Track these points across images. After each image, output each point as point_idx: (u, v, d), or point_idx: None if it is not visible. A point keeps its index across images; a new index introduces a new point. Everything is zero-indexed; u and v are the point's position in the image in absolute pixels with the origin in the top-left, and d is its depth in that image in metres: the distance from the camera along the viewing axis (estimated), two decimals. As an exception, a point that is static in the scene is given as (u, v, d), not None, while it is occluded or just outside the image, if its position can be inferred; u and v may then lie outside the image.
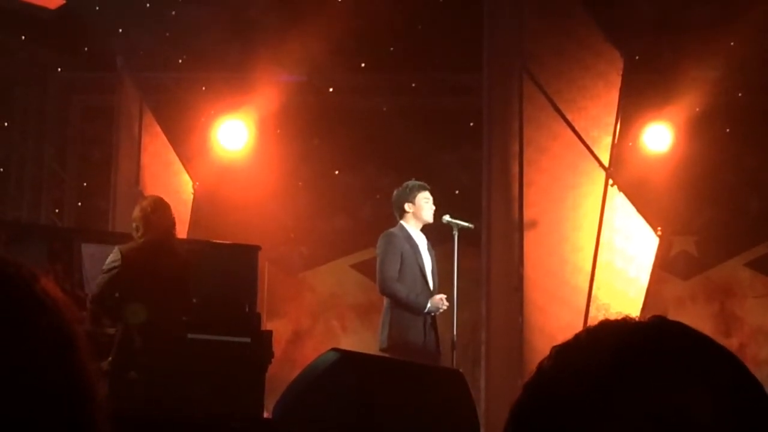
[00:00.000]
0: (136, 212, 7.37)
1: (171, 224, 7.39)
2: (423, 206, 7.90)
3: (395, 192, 8.05)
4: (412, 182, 8.03)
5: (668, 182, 10.69)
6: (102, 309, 7.28)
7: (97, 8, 10.51)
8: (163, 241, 7.28)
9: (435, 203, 7.99)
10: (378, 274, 7.91)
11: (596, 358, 1.01)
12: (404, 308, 7.73)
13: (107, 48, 10.97)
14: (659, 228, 9.68)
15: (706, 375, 0.99)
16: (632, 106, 10.27)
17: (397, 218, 7.99)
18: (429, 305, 7.69)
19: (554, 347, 1.08)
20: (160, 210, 7.33)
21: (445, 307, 7.74)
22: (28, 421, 1.00)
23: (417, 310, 7.69)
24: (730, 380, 1.00)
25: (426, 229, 8.02)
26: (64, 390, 1.04)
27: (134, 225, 7.33)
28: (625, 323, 1.06)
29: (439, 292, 7.86)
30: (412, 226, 7.93)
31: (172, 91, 11.37)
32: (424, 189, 7.95)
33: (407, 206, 7.92)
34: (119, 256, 7.17)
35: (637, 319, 1.08)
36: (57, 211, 11.81)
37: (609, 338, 1.03)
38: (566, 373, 1.02)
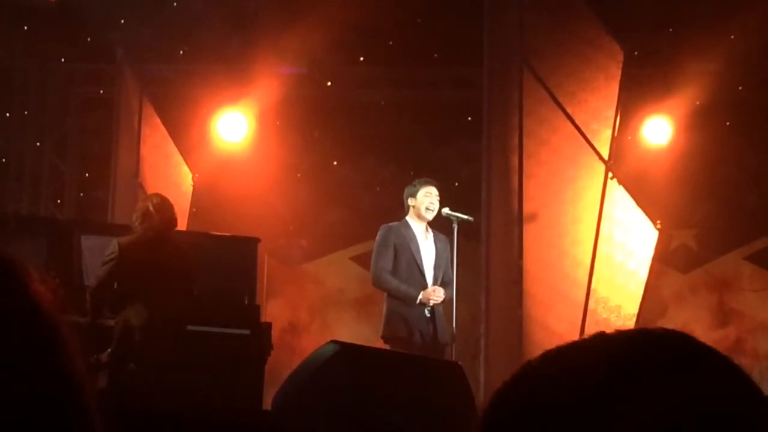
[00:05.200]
0: (140, 204, 7.44)
1: (171, 220, 7.44)
2: (423, 201, 7.94)
3: (406, 188, 8.16)
4: (421, 178, 8.12)
5: (668, 176, 10.68)
6: (101, 301, 7.30)
7: (98, -1, 10.51)
8: (160, 233, 7.30)
9: (434, 197, 8.06)
10: (371, 266, 8.07)
11: (588, 367, 0.97)
12: (398, 300, 7.81)
13: (107, 40, 10.96)
14: (659, 221, 9.68)
15: (699, 386, 0.95)
16: (632, 100, 10.26)
17: (405, 212, 8.09)
18: (420, 297, 7.75)
19: (528, 363, 1.04)
20: (162, 206, 7.39)
21: (438, 299, 7.79)
22: (17, 418, 1.00)
23: (408, 301, 7.77)
24: (724, 390, 0.96)
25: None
26: (53, 386, 1.04)
27: (134, 216, 7.38)
28: (618, 334, 1.02)
29: (445, 285, 7.92)
30: (416, 220, 8.01)
31: (172, 83, 11.37)
32: (428, 184, 8.03)
33: (410, 201, 8.02)
34: (117, 248, 7.19)
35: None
36: (59, 201, 11.80)
37: (601, 346, 0.99)
38: (552, 383, 0.97)
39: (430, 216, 7.97)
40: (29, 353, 1.03)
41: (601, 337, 1.02)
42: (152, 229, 7.26)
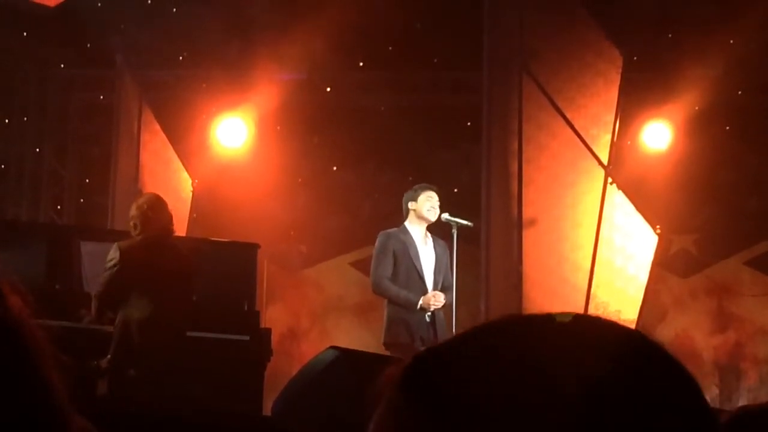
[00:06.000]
0: (133, 210, 7.38)
1: (169, 221, 7.39)
2: (424, 203, 7.95)
3: (405, 194, 8.15)
4: (421, 184, 8.13)
5: (667, 180, 10.68)
6: (107, 306, 7.26)
7: (99, 5, 10.51)
8: (161, 237, 7.28)
9: (434, 201, 8.06)
10: (371, 273, 8.06)
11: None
12: (399, 305, 7.83)
13: (107, 45, 10.97)
14: (658, 226, 9.69)
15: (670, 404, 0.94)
16: (631, 105, 10.27)
17: (404, 218, 8.07)
18: (420, 302, 7.75)
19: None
20: (156, 207, 7.34)
21: (439, 305, 7.78)
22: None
23: (408, 307, 7.77)
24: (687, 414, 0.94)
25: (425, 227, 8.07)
26: (17, 391, 1.03)
27: (132, 223, 7.33)
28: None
29: (445, 290, 7.92)
30: (415, 225, 8.00)
31: (172, 89, 11.37)
32: (430, 189, 8.04)
33: (411, 204, 8.00)
34: (118, 253, 7.17)
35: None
36: (59, 207, 11.81)
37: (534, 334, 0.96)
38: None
39: (433, 217, 7.96)
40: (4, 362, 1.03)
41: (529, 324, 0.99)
42: (152, 232, 7.24)
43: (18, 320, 1.07)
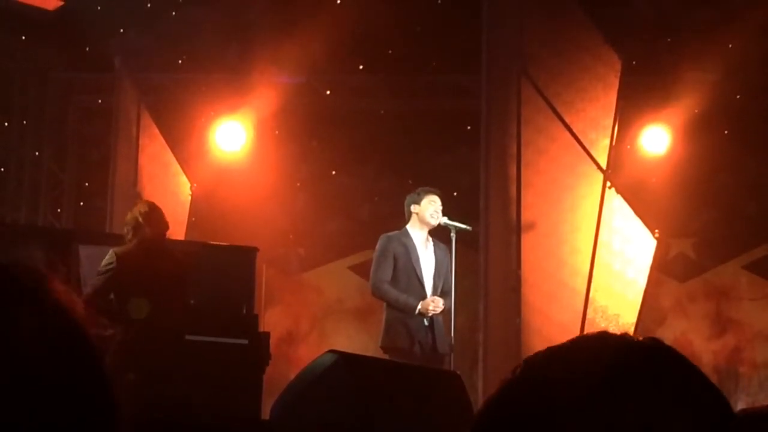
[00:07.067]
0: (129, 216, 7.43)
1: (164, 227, 7.43)
2: (427, 207, 7.95)
3: (407, 196, 8.15)
4: (424, 187, 8.13)
5: (666, 184, 10.69)
6: (95, 309, 7.26)
7: (99, 8, 10.51)
8: (155, 242, 7.30)
9: (434, 205, 8.06)
10: (370, 276, 8.06)
11: (584, 373, 0.98)
12: (397, 309, 7.82)
13: (106, 49, 10.98)
14: (657, 230, 9.69)
15: (690, 406, 0.97)
16: (630, 109, 10.27)
17: (406, 221, 8.07)
18: (419, 308, 7.74)
19: (528, 359, 1.05)
20: (152, 214, 7.37)
21: (437, 310, 7.77)
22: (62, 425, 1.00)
23: (407, 311, 7.77)
24: (711, 415, 0.98)
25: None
26: (93, 397, 1.04)
27: (125, 229, 7.37)
28: (614, 340, 1.03)
29: (444, 294, 7.91)
30: (417, 228, 8.00)
31: (171, 92, 11.37)
32: (433, 193, 8.04)
33: (413, 207, 8.00)
34: (114, 258, 7.18)
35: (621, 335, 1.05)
36: (58, 210, 11.81)
37: (596, 353, 1.01)
38: (548, 385, 0.99)
39: (435, 222, 7.96)
40: (67, 364, 1.03)
41: (593, 341, 1.03)
42: (146, 237, 7.26)
43: (80, 323, 1.08)
